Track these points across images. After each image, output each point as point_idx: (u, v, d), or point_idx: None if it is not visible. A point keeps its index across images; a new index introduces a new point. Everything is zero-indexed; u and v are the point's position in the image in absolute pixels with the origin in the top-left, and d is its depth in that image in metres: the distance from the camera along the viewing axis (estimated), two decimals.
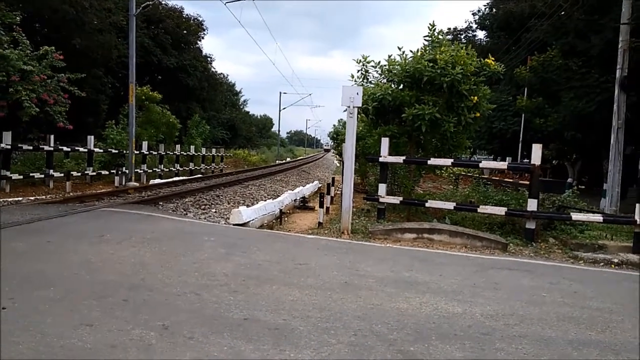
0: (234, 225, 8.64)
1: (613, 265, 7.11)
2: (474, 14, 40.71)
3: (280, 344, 3.30)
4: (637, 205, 7.85)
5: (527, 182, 10.40)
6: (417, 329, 3.75)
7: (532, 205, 8.26)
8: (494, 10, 37.63)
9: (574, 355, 3.44)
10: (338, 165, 36.63)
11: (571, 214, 8.75)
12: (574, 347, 3.59)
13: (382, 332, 3.63)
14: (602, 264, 7.16)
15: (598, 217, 8.51)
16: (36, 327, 3.34)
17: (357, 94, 8.17)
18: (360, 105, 8.41)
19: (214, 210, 10.92)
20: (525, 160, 24.58)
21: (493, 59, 9.83)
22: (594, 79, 17.96)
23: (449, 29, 42.99)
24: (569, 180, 22.97)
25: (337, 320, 3.83)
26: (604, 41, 16.91)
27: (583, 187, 13.01)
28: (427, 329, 3.78)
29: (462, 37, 41.21)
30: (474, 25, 41.53)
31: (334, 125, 28.98)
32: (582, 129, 19.56)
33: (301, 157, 64.23)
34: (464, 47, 9.59)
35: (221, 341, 3.29)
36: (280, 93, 54.47)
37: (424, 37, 10.28)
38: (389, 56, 10.15)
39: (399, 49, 10.04)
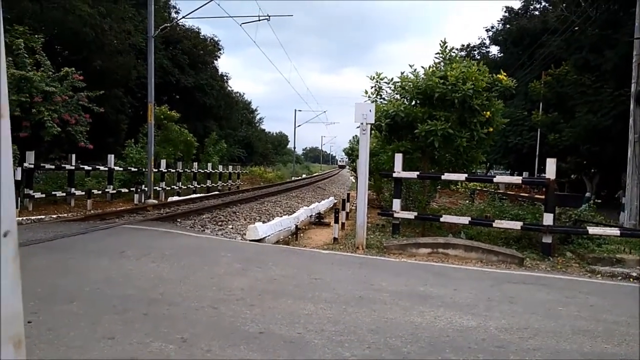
0: (250, 240, 8.75)
1: (631, 279, 7.04)
2: (487, 30, 40.91)
3: (295, 357, 3.37)
4: None
5: (543, 197, 10.36)
6: (431, 342, 3.78)
7: (548, 219, 8.24)
8: (507, 26, 37.78)
9: None
10: (353, 181, 36.69)
11: (588, 228, 8.69)
12: None
13: (395, 345, 3.68)
14: (620, 277, 7.10)
15: (615, 231, 8.44)
16: (60, 340, 3.46)
17: (370, 111, 8.29)
18: (373, 122, 8.53)
19: (230, 226, 11.06)
20: (543, 175, 24.36)
21: (505, 74, 9.90)
22: (608, 93, 17.90)
23: (462, 45, 43.29)
24: (587, 194, 22.69)
25: (351, 334, 3.89)
26: (618, 55, 16.88)
27: (599, 200, 12.85)
28: (441, 342, 3.81)
29: (476, 53, 41.39)
30: (487, 42, 41.71)
31: (350, 142, 29.14)
32: (598, 143, 19.43)
33: (317, 174, 64.44)
34: (477, 63, 9.67)
35: (237, 354, 3.37)
36: (295, 110, 54.85)
37: (435, 54, 10.42)
38: (402, 73, 10.29)
39: (410, 66, 10.18)
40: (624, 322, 4.61)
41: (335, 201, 17.89)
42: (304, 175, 52.37)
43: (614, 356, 3.70)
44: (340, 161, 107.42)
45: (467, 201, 17.50)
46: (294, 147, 65.81)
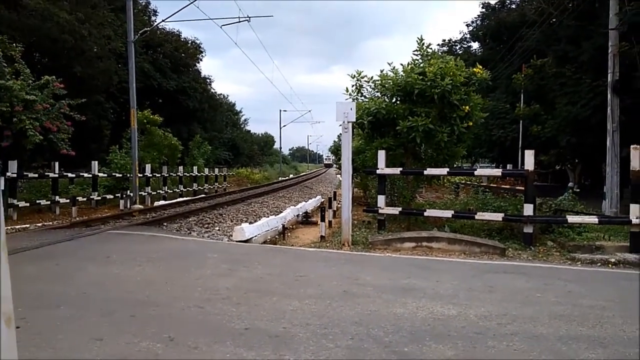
0: (237, 242, 8.82)
1: (610, 265, 7.23)
2: (467, 25, 41.28)
3: (280, 350, 3.46)
4: (631, 205, 8.01)
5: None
6: (412, 332, 3.90)
7: (528, 210, 8.42)
8: (486, 21, 38.17)
9: (563, 350, 3.58)
10: (340, 179, 36.84)
11: (567, 216, 8.89)
12: (563, 342, 3.73)
13: (378, 336, 3.79)
14: (599, 264, 7.29)
15: (593, 219, 8.65)
16: (49, 343, 3.52)
17: (351, 109, 8.40)
18: (354, 120, 8.64)
19: (217, 228, 11.10)
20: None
21: (480, 67, 10.07)
22: (587, 84, 18.22)
23: (444, 40, 43.62)
24: (570, 184, 23.10)
25: (335, 327, 3.99)
26: (594, 47, 17.19)
27: (578, 190, 13.12)
28: (422, 331, 3.93)
29: (458, 47, 41.74)
30: (469, 37, 42.09)
31: (334, 141, 29.30)
32: (578, 134, 19.77)
33: (304, 173, 64.51)
34: (454, 58, 9.84)
35: (224, 349, 3.45)
36: (280, 111, 54.86)
37: (413, 51, 10.56)
38: (381, 71, 10.42)
39: (389, 64, 10.32)
40: (600, 306, 4.77)
41: (323, 200, 17.99)
42: (291, 175, 52.42)
43: (589, 338, 3.85)
44: (326, 159, 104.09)
45: (452, 195, 17.70)
46: (280, 148, 65.76)
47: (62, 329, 3.83)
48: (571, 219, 8.64)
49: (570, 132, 20.15)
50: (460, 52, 38.99)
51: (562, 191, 15.71)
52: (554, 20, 22.38)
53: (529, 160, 8.56)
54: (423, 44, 10.37)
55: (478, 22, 39.85)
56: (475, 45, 42.43)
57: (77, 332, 3.77)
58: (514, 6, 36.63)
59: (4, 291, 1.09)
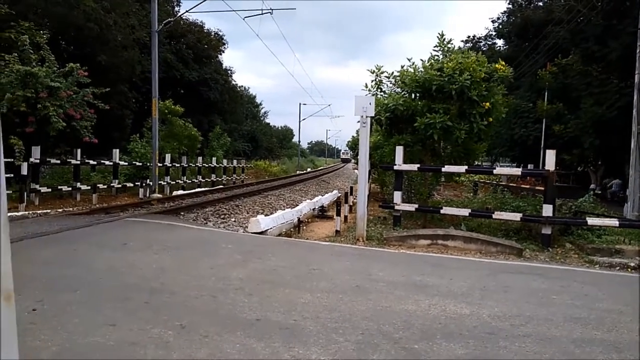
0: (252, 233, 8.86)
1: (629, 269, 7.10)
2: (493, 22, 40.66)
3: (290, 342, 3.47)
4: None
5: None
6: (423, 329, 3.88)
7: (547, 210, 8.29)
8: (512, 18, 37.56)
9: (577, 353, 3.53)
10: (358, 174, 36.74)
11: (587, 219, 8.73)
12: (577, 345, 3.67)
13: (388, 332, 3.78)
14: (617, 268, 7.16)
15: (614, 222, 8.48)
16: (63, 326, 3.58)
17: (370, 103, 8.35)
18: (372, 115, 8.59)
19: (233, 219, 11.18)
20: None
21: (503, 63, 9.90)
22: (614, 85, 17.83)
23: (468, 37, 43.06)
24: (592, 186, 22.66)
25: (346, 321, 3.99)
26: (623, 46, 16.78)
27: (600, 192, 12.85)
28: (434, 328, 3.90)
29: (482, 44, 41.16)
30: (494, 33, 41.47)
31: (353, 136, 29.20)
32: (602, 135, 19.37)
33: (321, 167, 64.50)
34: (476, 54, 9.69)
35: (234, 339, 3.48)
36: (300, 104, 54.95)
37: (434, 47, 10.44)
38: (402, 66, 10.33)
39: (409, 59, 10.22)
40: (617, 310, 4.68)
41: (339, 195, 17.97)
42: (308, 169, 52.44)
43: (603, 342, 3.78)
44: (343, 154, 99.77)
45: (470, 194, 17.52)
46: (299, 141, 66.00)
47: (77, 313, 3.89)
48: (591, 221, 8.48)
49: (594, 133, 19.76)
50: (484, 49, 38.42)
51: (583, 193, 15.46)
52: (581, 18, 21.93)
53: (550, 160, 8.42)
54: (444, 39, 10.24)
55: (504, 18, 39.24)
56: (499, 42, 41.85)
57: (91, 316, 3.83)
58: (540, 3, 35.99)
59: (4, 267, 1.09)
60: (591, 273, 6.68)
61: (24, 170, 12.00)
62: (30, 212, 10.80)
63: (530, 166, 28.73)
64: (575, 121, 21.32)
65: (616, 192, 20.12)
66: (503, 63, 9.90)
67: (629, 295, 5.53)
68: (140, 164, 18.06)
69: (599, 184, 24.15)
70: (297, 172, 42.26)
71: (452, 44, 10.39)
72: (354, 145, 26.99)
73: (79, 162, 14.66)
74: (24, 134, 13.10)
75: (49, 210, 11.37)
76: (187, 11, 30.97)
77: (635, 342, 3.81)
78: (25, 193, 11.74)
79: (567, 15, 23.08)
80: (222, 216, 11.51)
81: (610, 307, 4.78)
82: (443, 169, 9.58)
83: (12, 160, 12.12)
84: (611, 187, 20.92)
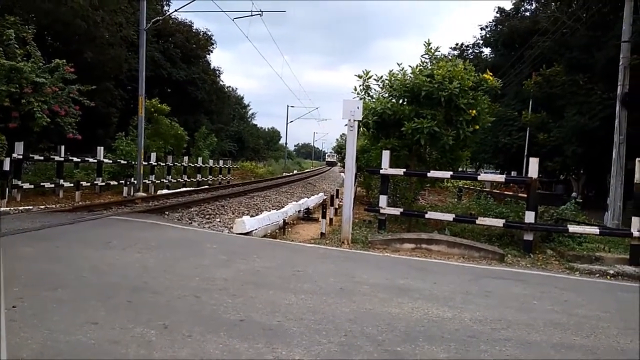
0: (237, 234, 8.83)
1: (608, 277, 7.22)
2: (482, 29, 41.11)
3: (273, 343, 3.47)
4: (633, 218, 7.98)
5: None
6: (406, 332, 3.91)
7: (529, 217, 8.41)
8: (499, 27, 38.07)
9: (556, 358, 3.58)
10: (344, 178, 36.84)
11: (568, 226, 8.87)
12: (556, 350, 3.73)
13: (371, 334, 3.80)
14: (597, 275, 7.27)
15: (595, 230, 8.63)
16: (44, 324, 3.54)
17: (358, 107, 8.40)
18: (360, 118, 8.64)
19: (218, 219, 11.13)
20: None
21: (491, 74, 10.05)
22: (597, 96, 18.14)
23: (456, 44, 43.47)
24: (573, 194, 23.02)
25: (329, 323, 4.00)
26: (607, 58, 17.10)
27: (581, 200, 13.08)
28: (416, 331, 3.94)
29: (469, 52, 41.60)
30: (481, 42, 41.96)
31: (337, 139, 29.28)
32: (584, 144, 19.69)
33: (308, 170, 64.48)
34: (463, 62, 9.81)
35: (217, 340, 3.47)
36: (288, 106, 54.81)
37: (421, 55, 10.54)
38: (390, 71, 10.41)
39: (398, 64, 10.32)
40: (595, 316, 4.77)
41: (325, 197, 17.96)
42: (295, 171, 52.41)
43: (582, 347, 3.85)
44: (329, 156, 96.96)
45: (455, 199, 17.68)
46: (286, 143, 66.10)
47: (58, 311, 3.85)
48: (572, 228, 8.62)
49: (576, 142, 20.08)
50: (471, 56, 38.85)
51: (566, 201, 15.68)
52: (565, 30, 22.31)
53: (533, 167, 8.55)
54: (430, 47, 10.36)
55: (492, 27, 39.73)
56: (486, 50, 42.32)
57: (73, 314, 3.79)
58: (527, 13, 36.51)
59: None
60: (571, 279, 6.79)
61: (6, 166, 11.81)
62: (12, 208, 10.63)
63: (513, 173, 29.08)
64: (558, 130, 21.65)
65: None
66: (491, 74, 10.04)
67: (608, 301, 5.63)
68: (125, 162, 17.88)
69: (581, 192, 24.56)
70: (284, 174, 42.22)
71: (439, 51, 10.52)
72: (339, 149, 27.03)
73: (62, 159, 14.47)
74: (7, 129, 12.91)
75: (31, 207, 11.22)
76: (176, 10, 30.89)
77: (612, 348, 3.88)
78: (7, 189, 11.57)
79: (553, 26, 23.47)
80: (207, 216, 11.45)
81: (589, 313, 4.87)
82: (429, 174, 9.65)
83: None
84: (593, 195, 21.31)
